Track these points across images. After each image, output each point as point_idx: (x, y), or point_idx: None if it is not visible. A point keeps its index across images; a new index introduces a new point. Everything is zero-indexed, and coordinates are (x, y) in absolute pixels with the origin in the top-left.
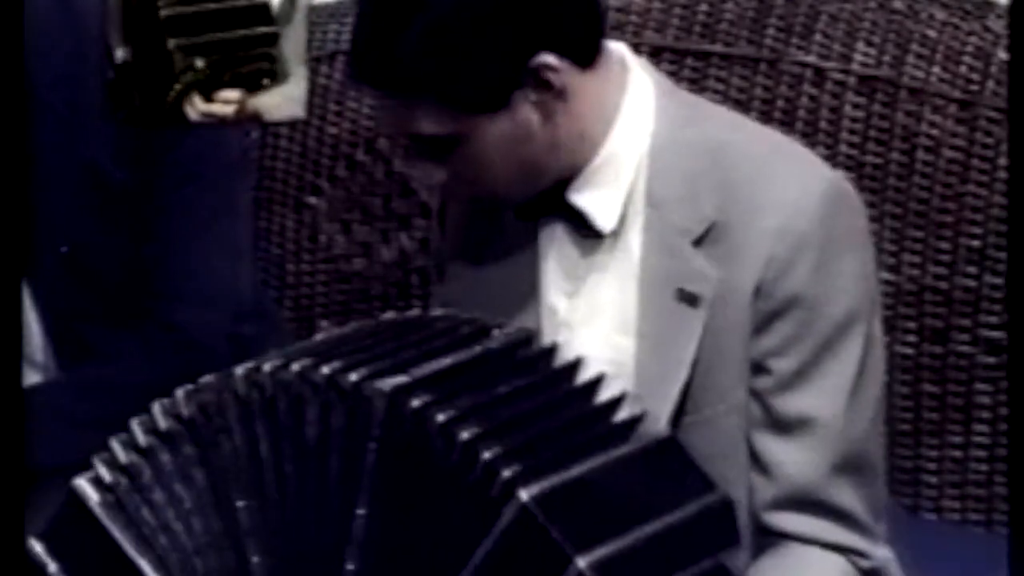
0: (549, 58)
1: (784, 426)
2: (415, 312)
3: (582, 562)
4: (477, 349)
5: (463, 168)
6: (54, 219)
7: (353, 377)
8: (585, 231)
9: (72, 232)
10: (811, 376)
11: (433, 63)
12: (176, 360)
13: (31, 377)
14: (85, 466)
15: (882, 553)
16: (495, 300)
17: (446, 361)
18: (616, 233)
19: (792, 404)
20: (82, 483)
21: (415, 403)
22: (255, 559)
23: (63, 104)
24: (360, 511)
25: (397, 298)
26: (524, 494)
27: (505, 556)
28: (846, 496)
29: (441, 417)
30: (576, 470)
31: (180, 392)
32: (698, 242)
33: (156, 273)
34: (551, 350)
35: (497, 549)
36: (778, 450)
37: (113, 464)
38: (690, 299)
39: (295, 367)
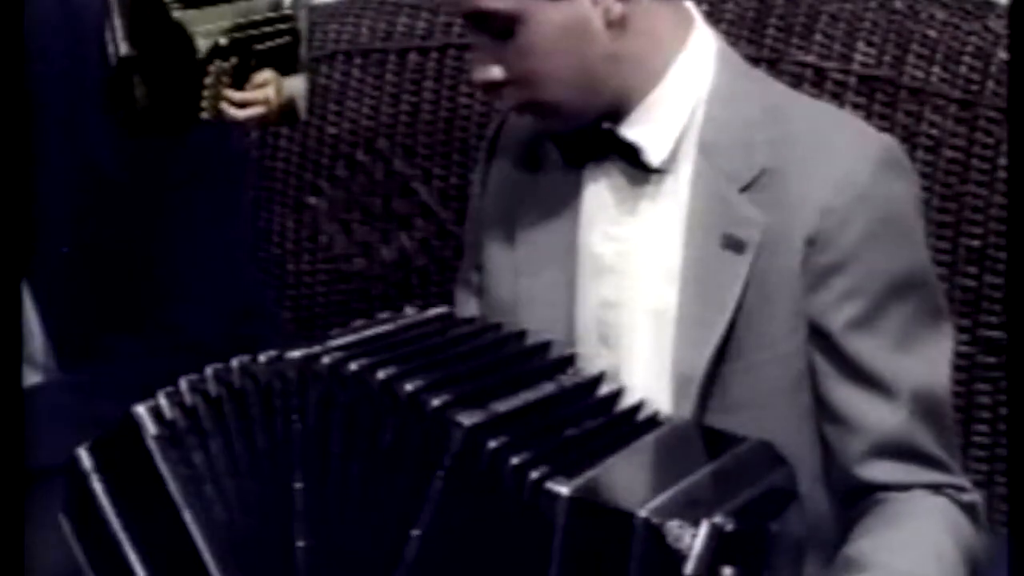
0: None
1: (855, 378)
2: (484, 322)
3: (643, 512)
4: (550, 388)
5: (520, 59)
6: (54, 219)
7: (435, 402)
8: (632, 175)
9: (72, 232)
10: (870, 328)
11: None
12: (176, 360)
13: (31, 377)
14: None
15: (974, 491)
16: (533, 250)
17: (523, 398)
18: (663, 179)
19: (857, 357)
20: (141, 411)
21: (492, 444)
22: (300, 543)
23: (63, 104)
24: (415, 532)
25: (397, 298)
26: (565, 490)
27: (577, 555)
28: (928, 441)
29: (515, 460)
30: (608, 461)
31: (263, 356)
32: (746, 188)
33: (156, 273)
34: (619, 392)
35: (567, 552)
36: (854, 402)
37: (176, 401)
38: (736, 245)
39: (380, 375)
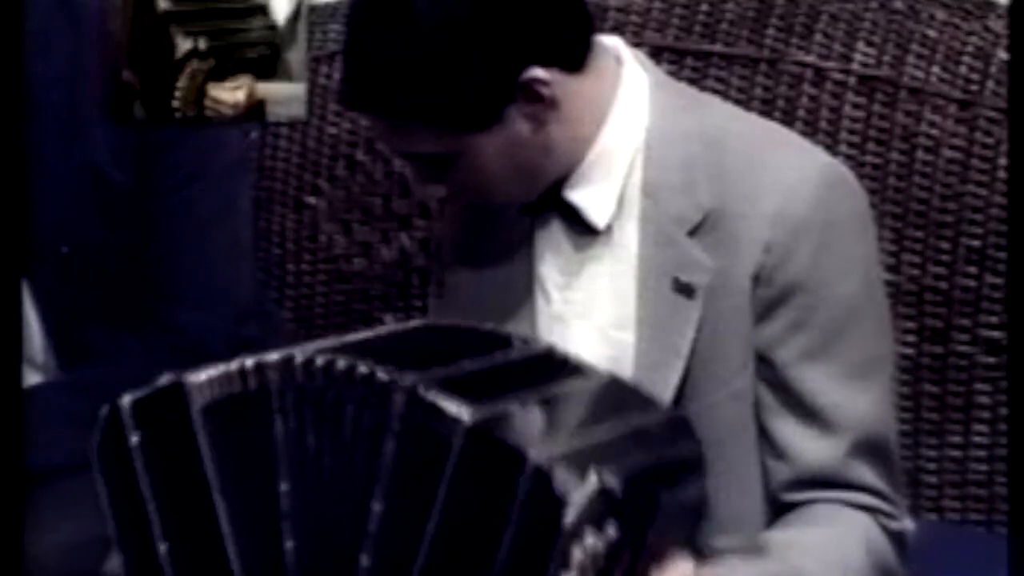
0: (539, 72)
1: (797, 411)
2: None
3: (535, 453)
4: (499, 358)
5: (461, 182)
6: (54, 219)
7: (383, 376)
8: (580, 226)
9: (72, 232)
10: (818, 361)
11: (423, 87)
12: (176, 361)
13: (31, 377)
14: (85, 466)
15: (909, 522)
16: (491, 294)
17: (468, 366)
18: (611, 227)
19: (802, 389)
20: (192, 382)
21: (422, 391)
22: (289, 544)
23: (63, 104)
24: (377, 507)
25: (397, 298)
26: (467, 417)
27: (466, 483)
28: (865, 474)
29: (443, 403)
30: (518, 398)
31: (249, 361)
32: (693, 231)
33: (156, 274)
34: (565, 359)
35: (457, 477)
36: (792, 435)
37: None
38: (686, 289)
39: (341, 364)
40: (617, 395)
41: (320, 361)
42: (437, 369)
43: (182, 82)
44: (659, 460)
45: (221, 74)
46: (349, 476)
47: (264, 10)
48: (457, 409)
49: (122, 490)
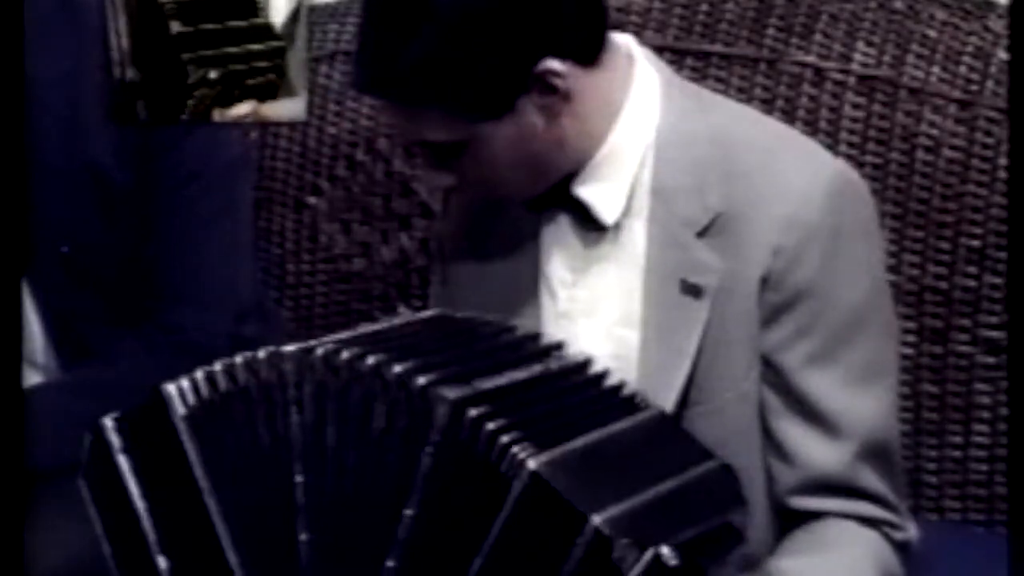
0: (554, 63)
1: (803, 415)
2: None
3: (597, 519)
4: (537, 369)
5: (471, 171)
6: (54, 219)
7: (422, 381)
8: (588, 223)
9: (72, 232)
10: (824, 365)
11: (438, 74)
12: (177, 361)
13: (31, 377)
14: None
15: (913, 528)
16: (496, 290)
17: (509, 377)
18: (619, 225)
19: (807, 393)
20: (171, 389)
21: (472, 412)
22: (303, 536)
23: (64, 104)
24: (408, 512)
25: (397, 298)
26: (532, 463)
27: (521, 527)
28: (872, 480)
29: (491, 426)
30: (579, 441)
31: (262, 352)
32: (702, 233)
33: (157, 273)
34: (604, 374)
35: (512, 521)
36: (798, 439)
37: (205, 380)
38: (694, 291)
39: (370, 360)
40: (669, 441)
41: (345, 355)
42: (477, 380)
43: (189, 106)
44: (709, 527)
45: (227, 100)
46: (376, 476)
47: (270, 30)
48: (523, 453)
49: (115, 511)
